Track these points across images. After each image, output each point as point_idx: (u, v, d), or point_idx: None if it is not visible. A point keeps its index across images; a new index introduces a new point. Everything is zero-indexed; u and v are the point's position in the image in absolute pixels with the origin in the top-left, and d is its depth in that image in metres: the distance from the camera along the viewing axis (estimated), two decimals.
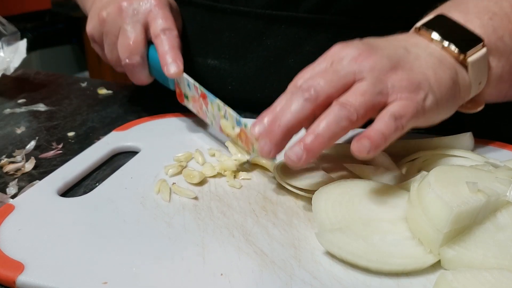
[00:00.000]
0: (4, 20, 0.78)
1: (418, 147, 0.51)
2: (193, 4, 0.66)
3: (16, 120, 0.65)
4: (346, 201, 0.42)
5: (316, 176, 0.46)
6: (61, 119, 0.66)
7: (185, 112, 0.65)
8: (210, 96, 0.53)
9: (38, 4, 2.25)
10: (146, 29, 0.60)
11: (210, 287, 0.35)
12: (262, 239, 0.40)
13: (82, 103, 0.72)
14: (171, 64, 0.56)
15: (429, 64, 0.45)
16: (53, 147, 0.58)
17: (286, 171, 0.47)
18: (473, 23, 0.48)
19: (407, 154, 0.50)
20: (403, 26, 0.51)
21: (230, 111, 0.50)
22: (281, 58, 0.63)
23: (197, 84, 0.55)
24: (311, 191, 0.44)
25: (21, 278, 0.36)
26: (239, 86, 0.65)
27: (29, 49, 0.78)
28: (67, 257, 0.38)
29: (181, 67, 0.57)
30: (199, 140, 0.57)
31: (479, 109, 0.51)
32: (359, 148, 0.40)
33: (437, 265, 0.37)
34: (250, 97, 0.64)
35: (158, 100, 0.71)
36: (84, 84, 0.79)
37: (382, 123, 0.41)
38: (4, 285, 0.37)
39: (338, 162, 0.49)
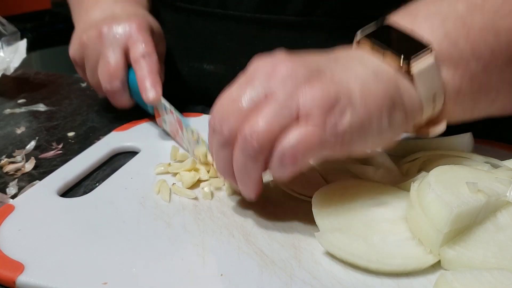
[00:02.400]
0: (4, 20, 0.78)
1: (418, 147, 0.50)
2: (185, 10, 0.66)
3: (16, 120, 0.65)
4: (346, 201, 0.42)
5: (317, 183, 0.46)
6: (61, 119, 0.66)
7: (186, 112, 0.65)
8: (184, 121, 0.53)
9: (38, 4, 2.25)
10: (126, 54, 0.59)
11: (210, 287, 0.35)
12: (262, 239, 0.40)
13: (82, 103, 0.71)
14: (149, 90, 0.56)
15: (358, 75, 0.39)
16: (53, 147, 0.58)
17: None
18: (421, 28, 0.42)
19: (407, 154, 0.50)
20: None
21: (203, 138, 0.49)
22: None
23: (173, 109, 0.54)
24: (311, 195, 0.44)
25: (21, 278, 0.36)
26: None
27: (29, 49, 0.78)
28: (67, 257, 0.38)
29: (160, 92, 0.56)
30: None
31: (440, 130, 0.44)
32: (243, 194, 0.41)
33: (437, 265, 0.37)
34: None
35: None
36: (84, 84, 0.79)
37: (273, 167, 0.38)
38: (4, 285, 0.37)
39: (338, 162, 0.49)
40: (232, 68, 0.65)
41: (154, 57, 0.58)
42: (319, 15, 0.59)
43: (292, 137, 0.36)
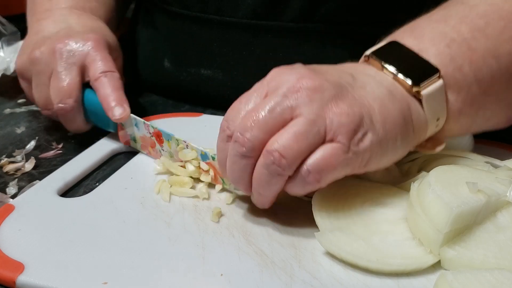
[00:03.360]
0: (4, 20, 0.78)
1: None
2: (181, 16, 0.66)
3: (16, 120, 0.65)
4: (346, 201, 0.42)
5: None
6: None
7: (186, 112, 0.65)
8: (165, 133, 0.50)
9: None
10: (82, 72, 0.56)
11: (210, 287, 0.35)
12: (262, 239, 0.40)
13: None
14: (116, 107, 0.53)
15: (376, 94, 0.40)
16: (53, 147, 0.58)
17: None
18: (428, 52, 0.43)
19: (407, 154, 0.50)
20: (386, 31, 0.47)
21: (193, 146, 0.48)
22: (272, 67, 0.62)
23: (148, 123, 0.52)
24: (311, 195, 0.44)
25: (21, 278, 0.36)
26: (234, 95, 0.64)
27: None
28: (67, 257, 0.38)
29: (128, 110, 0.53)
30: (199, 140, 0.57)
31: (439, 149, 0.45)
32: (257, 202, 0.41)
33: (437, 265, 0.37)
34: None
35: (158, 100, 0.71)
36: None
37: (295, 183, 0.38)
38: (4, 285, 0.37)
39: None
40: (229, 73, 0.65)
41: (116, 74, 0.56)
42: (315, 21, 0.59)
43: (319, 157, 0.37)
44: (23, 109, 0.69)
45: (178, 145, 0.49)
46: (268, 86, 0.40)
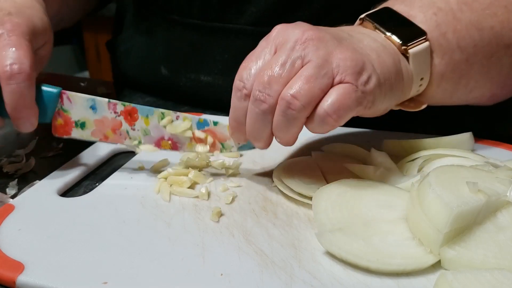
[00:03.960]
0: None
1: (418, 147, 0.50)
2: (180, 23, 0.66)
3: None
4: (346, 201, 0.42)
5: (316, 183, 0.46)
6: None
7: (186, 111, 0.65)
8: (143, 108, 0.49)
9: None
10: None
11: (210, 287, 0.35)
12: (262, 239, 0.40)
13: None
14: (23, 120, 0.47)
15: (372, 47, 0.44)
16: (53, 147, 0.58)
17: (286, 176, 0.47)
18: (416, 18, 0.47)
19: (407, 154, 0.50)
20: None
21: (185, 115, 0.48)
22: None
23: (115, 101, 0.48)
24: (310, 197, 0.44)
25: (21, 278, 0.36)
26: None
27: None
28: (67, 257, 0.38)
29: (35, 123, 0.47)
30: None
31: (422, 107, 0.50)
32: (281, 143, 0.43)
33: (437, 265, 0.37)
34: None
35: (160, 97, 0.71)
36: (84, 84, 0.79)
37: (314, 125, 0.41)
38: (4, 285, 0.37)
39: (338, 162, 0.49)
40: (229, 78, 0.65)
41: (24, 67, 0.45)
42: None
43: (333, 97, 0.40)
44: None
45: (162, 118, 0.48)
46: (275, 42, 0.43)
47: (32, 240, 0.40)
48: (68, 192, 0.49)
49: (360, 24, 0.48)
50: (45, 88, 0.48)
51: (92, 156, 0.53)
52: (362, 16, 0.48)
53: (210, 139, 0.48)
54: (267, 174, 0.50)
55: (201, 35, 0.65)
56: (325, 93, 0.41)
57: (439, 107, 0.53)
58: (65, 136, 0.49)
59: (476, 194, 0.37)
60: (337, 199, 0.42)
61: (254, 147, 0.48)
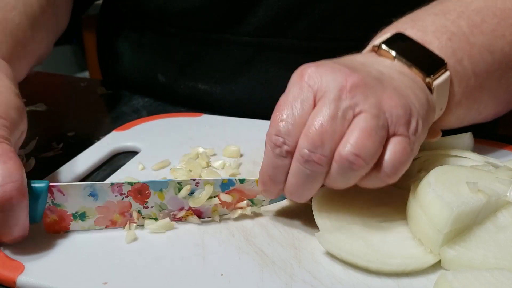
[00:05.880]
0: None
1: None
2: (178, 35, 0.65)
3: None
4: (346, 201, 0.42)
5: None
6: (61, 119, 0.66)
7: (186, 112, 0.65)
8: (155, 182, 0.41)
9: None
10: None
11: (210, 287, 0.35)
12: (262, 239, 0.40)
13: (82, 103, 0.71)
14: (14, 239, 0.38)
15: (407, 85, 0.41)
16: (53, 147, 0.58)
17: None
18: (432, 44, 0.44)
19: None
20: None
21: (206, 180, 0.42)
22: (272, 81, 0.62)
23: (119, 182, 0.41)
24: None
25: (21, 278, 0.36)
26: (232, 109, 0.64)
27: None
28: (67, 257, 0.38)
29: (25, 234, 0.39)
30: (198, 140, 0.57)
31: (437, 138, 0.47)
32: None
33: (437, 265, 0.37)
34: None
35: (158, 100, 0.71)
36: (84, 84, 0.79)
37: (371, 180, 0.38)
38: (4, 285, 0.37)
39: None
40: (228, 88, 0.65)
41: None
42: (319, 39, 0.59)
43: (394, 152, 0.37)
44: None
45: (180, 189, 0.41)
46: (311, 89, 0.38)
47: (32, 240, 0.40)
48: None
49: (375, 51, 0.44)
50: (31, 185, 0.39)
51: (92, 156, 0.53)
52: (376, 42, 0.44)
53: (243, 203, 0.43)
54: None
55: (199, 46, 0.64)
56: (383, 146, 0.37)
57: None
58: (61, 232, 0.41)
59: (476, 194, 0.37)
60: (337, 199, 0.42)
61: (285, 198, 0.43)
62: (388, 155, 0.37)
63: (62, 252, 0.39)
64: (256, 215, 0.43)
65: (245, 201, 0.43)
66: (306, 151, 0.36)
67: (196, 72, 0.66)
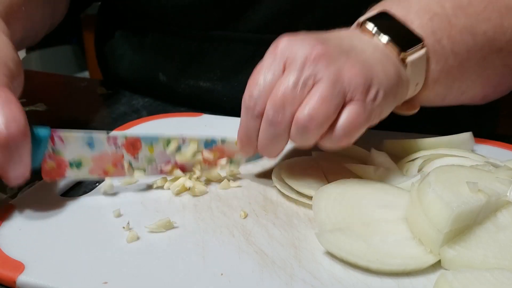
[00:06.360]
0: None
1: (418, 147, 0.51)
2: (179, 34, 0.65)
3: None
4: (346, 201, 0.42)
5: (317, 183, 0.46)
6: (61, 119, 0.66)
7: (186, 111, 0.65)
8: (146, 137, 0.46)
9: None
10: None
11: (210, 287, 0.35)
12: (262, 239, 0.40)
13: (82, 103, 0.71)
14: (16, 178, 0.41)
15: (376, 58, 0.44)
16: None
17: (287, 175, 0.47)
18: (413, 23, 0.47)
19: (407, 154, 0.50)
20: None
21: (192, 137, 0.47)
22: None
23: (115, 134, 0.45)
24: (310, 197, 0.44)
25: (22, 278, 0.36)
26: (234, 106, 0.63)
27: (29, 49, 0.78)
28: (67, 257, 0.38)
29: (28, 176, 0.41)
30: None
31: (414, 111, 0.51)
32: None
33: (437, 265, 0.37)
34: None
35: (158, 100, 0.71)
36: (84, 84, 0.79)
37: (328, 142, 0.42)
38: (4, 285, 0.37)
39: (338, 162, 0.49)
40: (229, 84, 0.65)
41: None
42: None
43: (347, 117, 0.41)
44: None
45: (168, 144, 0.47)
46: (282, 58, 0.42)
47: (32, 240, 0.40)
48: (68, 192, 0.49)
49: (359, 27, 0.48)
50: (33, 130, 0.41)
51: None
52: (361, 19, 0.48)
53: (223, 161, 0.48)
54: (267, 174, 0.49)
55: (201, 44, 0.64)
56: (338, 111, 0.41)
57: (438, 108, 0.53)
58: (57, 179, 0.44)
59: (476, 194, 0.37)
60: (337, 198, 0.42)
61: (262, 157, 0.48)
62: (341, 119, 0.41)
63: (62, 252, 0.39)
64: (234, 179, 0.49)
65: (224, 158, 0.48)
66: (270, 113, 0.41)
67: (197, 70, 0.66)
